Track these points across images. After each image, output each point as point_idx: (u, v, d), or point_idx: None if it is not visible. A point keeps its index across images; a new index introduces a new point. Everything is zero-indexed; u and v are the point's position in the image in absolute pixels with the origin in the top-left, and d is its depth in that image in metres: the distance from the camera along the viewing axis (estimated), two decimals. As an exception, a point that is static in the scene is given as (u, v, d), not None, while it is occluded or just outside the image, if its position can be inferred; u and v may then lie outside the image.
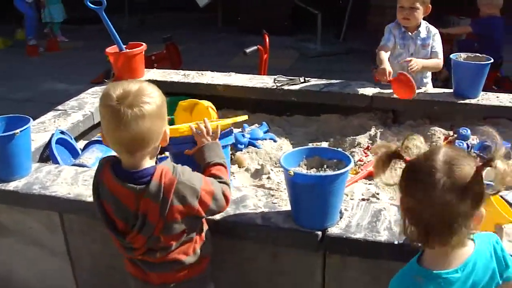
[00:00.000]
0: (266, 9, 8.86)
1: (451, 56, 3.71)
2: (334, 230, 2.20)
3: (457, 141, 3.25)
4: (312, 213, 2.18)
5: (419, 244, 1.67)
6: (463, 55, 3.76)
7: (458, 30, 6.81)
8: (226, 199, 2.12)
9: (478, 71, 3.63)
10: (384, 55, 3.72)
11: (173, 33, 7.31)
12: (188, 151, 2.34)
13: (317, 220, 2.20)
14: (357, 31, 8.15)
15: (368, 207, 2.36)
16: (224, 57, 7.38)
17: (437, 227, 1.56)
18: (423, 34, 3.86)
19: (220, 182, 2.14)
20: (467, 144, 3.25)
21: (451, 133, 3.46)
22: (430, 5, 3.88)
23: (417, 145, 1.70)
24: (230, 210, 2.33)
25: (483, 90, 3.68)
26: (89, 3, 3.80)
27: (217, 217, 2.28)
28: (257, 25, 7.92)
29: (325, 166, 2.27)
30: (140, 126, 1.88)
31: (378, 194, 2.82)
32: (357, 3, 8.34)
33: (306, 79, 3.90)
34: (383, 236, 2.16)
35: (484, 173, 1.55)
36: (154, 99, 1.94)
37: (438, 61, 3.85)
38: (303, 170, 2.25)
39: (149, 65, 5.87)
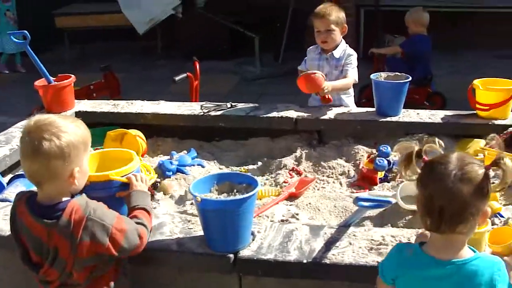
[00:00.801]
0: (204, 35, 8.98)
1: (372, 76, 3.84)
2: (246, 252, 2.26)
3: (377, 158, 3.35)
4: (223, 237, 2.24)
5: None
6: (383, 74, 3.90)
7: (389, 50, 6.99)
8: (141, 240, 2.15)
9: (398, 89, 3.76)
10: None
11: (114, 61, 7.33)
12: (120, 193, 2.41)
13: (228, 243, 2.26)
14: (295, 52, 8.27)
15: (281, 228, 2.43)
16: (163, 84, 7.42)
17: (449, 213, 1.75)
18: (337, 54, 3.98)
19: (138, 223, 2.18)
20: (388, 161, 3.35)
21: (374, 150, 3.56)
22: (345, 25, 4.02)
23: (435, 148, 1.92)
24: (146, 238, 2.37)
25: (417, 106, 3.81)
26: (13, 38, 3.82)
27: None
28: (196, 50, 8.04)
29: (235, 190, 2.33)
30: (38, 161, 1.93)
31: (297, 214, 2.89)
32: (294, 24, 8.52)
33: (233, 104, 3.98)
34: (292, 256, 2.23)
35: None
36: (59, 139, 1.99)
37: (348, 81, 3.96)
38: (213, 196, 2.31)
39: (88, 94, 5.90)
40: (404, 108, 3.88)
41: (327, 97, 3.86)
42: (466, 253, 1.82)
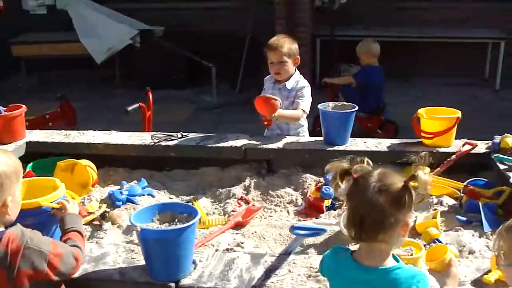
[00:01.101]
0: (162, 64, 9.03)
1: (319, 106, 3.93)
2: (187, 280, 2.30)
3: (324, 186, 3.41)
4: (164, 266, 2.28)
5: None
6: (331, 104, 3.99)
7: (341, 80, 7.10)
8: (77, 261, 2.20)
9: (345, 119, 3.85)
10: None
11: (72, 89, 7.33)
12: (55, 211, 2.49)
13: (170, 272, 2.30)
14: (252, 81, 8.38)
15: (223, 256, 2.48)
16: (121, 113, 7.43)
17: (368, 222, 1.89)
18: (289, 86, 4.08)
19: (72, 245, 2.22)
20: (335, 189, 3.42)
21: (321, 179, 3.63)
22: (298, 57, 4.12)
23: (364, 167, 2.04)
24: (89, 268, 2.40)
25: (369, 135, 3.90)
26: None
27: (76, 275, 2.33)
28: (154, 80, 8.10)
29: (176, 220, 2.37)
30: None
31: (242, 243, 2.92)
32: (251, 53, 8.62)
33: (184, 134, 4.03)
34: (232, 284, 2.27)
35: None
36: None
37: (296, 113, 4.05)
38: (154, 225, 2.35)
39: (44, 124, 5.89)
40: (357, 136, 4.00)
41: (269, 122, 3.97)
42: (389, 262, 1.95)
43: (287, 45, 4.05)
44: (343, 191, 2.02)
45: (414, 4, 9.99)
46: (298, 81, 4.12)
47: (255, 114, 3.96)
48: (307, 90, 4.10)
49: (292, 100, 4.08)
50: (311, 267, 2.39)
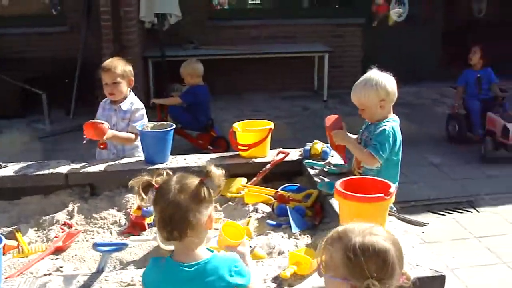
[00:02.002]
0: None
1: (137, 126, 4.06)
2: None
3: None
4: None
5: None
6: (150, 124, 4.13)
7: (169, 101, 7.23)
8: None
9: (163, 137, 3.99)
10: None
11: None
12: None
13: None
14: (87, 105, 8.30)
15: (35, 281, 2.51)
16: None
17: (176, 221, 2.07)
18: (125, 107, 4.23)
19: None
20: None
21: (144, 198, 3.74)
22: (132, 78, 4.28)
23: (164, 177, 2.21)
24: None
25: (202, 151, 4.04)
26: None
27: None
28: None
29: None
30: None
31: (62, 267, 2.95)
32: (84, 78, 8.55)
33: (3, 164, 3.98)
34: (42, 307, 2.33)
35: None
36: None
37: (130, 136, 4.23)
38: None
39: None
40: (189, 153, 4.21)
41: (104, 144, 4.09)
42: (204, 254, 2.15)
43: (120, 66, 4.21)
44: (148, 202, 2.21)
45: (243, 22, 10.43)
46: (132, 102, 4.28)
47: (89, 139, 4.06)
48: (141, 112, 4.27)
49: (127, 121, 4.22)
50: (121, 281, 2.50)
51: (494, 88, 7.47)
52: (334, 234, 1.90)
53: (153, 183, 2.19)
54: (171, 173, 2.24)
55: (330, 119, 3.77)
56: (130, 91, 4.33)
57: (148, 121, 4.25)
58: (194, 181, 2.15)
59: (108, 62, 4.28)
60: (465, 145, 7.56)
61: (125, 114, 4.25)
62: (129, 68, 4.28)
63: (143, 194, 2.18)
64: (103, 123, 4.00)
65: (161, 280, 2.14)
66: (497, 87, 7.53)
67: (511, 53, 10.12)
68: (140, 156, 4.29)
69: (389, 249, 1.82)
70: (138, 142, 4.32)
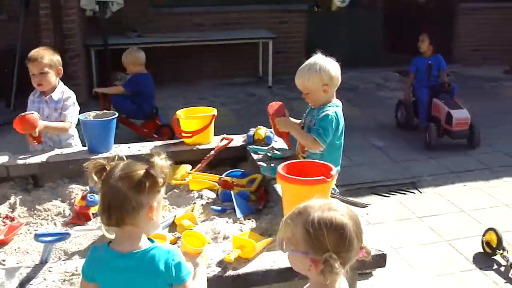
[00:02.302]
0: None
1: (80, 116, 4.01)
2: None
3: (89, 194, 3.49)
4: None
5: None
6: (92, 113, 4.07)
7: (111, 90, 7.14)
8: None
9: (105, 126, 3.95)
10: None
11: None
12: None
13: None
14: (28, 97, 8.14)
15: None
16: None
17: (114, 207, 2.07)
18: (56, 97, 4.15)
19: None
20: (101, 196, 3.51)
21: (88, 188, 3.70)
22: (61, 67, 4.19)
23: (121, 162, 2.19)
24: None
25: (145, 139, 4.01)
26: None
27: None
28: None
29: None
30: None
31: (4, 260, 2.89)
32: (23, 69, 8.33)
33: None
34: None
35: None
36: None
37: (63, 125, 4.16)
38: None
39: None
40: (136, 141, 4.19)
41: (37, 139, 4.00)
42: (144, 244, 2.13)
43: (47, 56, 4.12)
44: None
45: (187, 9, 10.36)
46: (63, 91, 4.21)
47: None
48: (72, 101, 4.19)
49: (60, 111, 4.15)
50: (65, 272, 2.48)
51: (443, 75, 7.61)
52: (295, 210, 1.97)
53: (107, 167, 2.17)
54: (125, 160, 2.22)
55: (273, 106, 3.80)
56: (59, 81, 4.26)
57: (90, 111, 4.19)
58: (139, 170, 2.12)
59: (34, 52, 4.18)
60: (412, 131, 7.71)
61: (57, 104, 4.18)
62: (57, 58, 4.21)
63: (95, 178, 2.16)
64: (32, 113, 3.91)
65: (98, 268, 2.14)
66: (445, 73, 7.67)
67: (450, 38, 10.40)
68: (78, 145, 4.29)
69: (347, 223, 1.90)
70: (73, 131, 4.29)
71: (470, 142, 7.12)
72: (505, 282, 4.30)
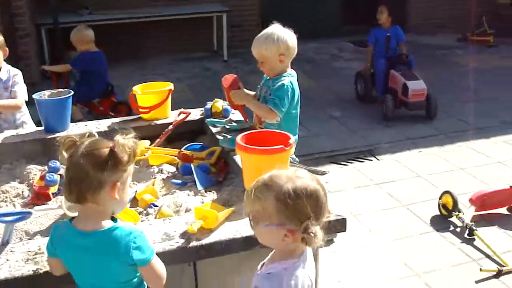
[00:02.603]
0: None
1: (34, 95, 3.94)
2: None
3: (47, 174, 3.46)
4: None
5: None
6: (47, 92, 4.00)
7: (60, 68, 7.01)
8: None
9: (61, 105, 3.89)
10: None
11: None
12: None
13: None
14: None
15: None
16: None
17: (75, 183, 2.07)
18: (4, 76, 4.16)
19: None
20: (60, 175, 3.48)
21: (46, 167, 3.66)
22: (6, 48, 4.16)
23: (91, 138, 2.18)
24: None
25: (100, 117, 3.98)
26: None
27: None
28: None
29: None
30: None
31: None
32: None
33: None
34: None
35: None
36: None
37: (15, 102, 4.19)
38: None
39: None
40: (92, 120, 4.18)
41: None
42: (106, 224, 2.12)
43: None
44: None
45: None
46: (9, 70, 4.23)
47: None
48: (19, 78, 4.23)
49: (10, 90, 4.17)
50: (28, 251, 2.46)
51: (402, 46, 7.67)
52: (260, 184, 1.96)
53: (78, 143, 2.16)
54: (96, 137, 2.22)
55: (227, 79, 3.81)
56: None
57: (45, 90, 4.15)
58: (103, 148, 2.10)
59: None
60: (372, 103, 7.80)
61: (6, 83, 4.21)
62: (1, 38, 4.20)
63: (65, 153, 2.15)
64: None
65: (59, 246, 2.15)
66: (404, 45, 7.74)
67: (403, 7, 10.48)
68: (29, 124, 4.29)
69: (318, 188, 1.96)
70: (25, 109, 4.24)
71: (428, 113, 7.21)
72: (461, 242, 4.43)
